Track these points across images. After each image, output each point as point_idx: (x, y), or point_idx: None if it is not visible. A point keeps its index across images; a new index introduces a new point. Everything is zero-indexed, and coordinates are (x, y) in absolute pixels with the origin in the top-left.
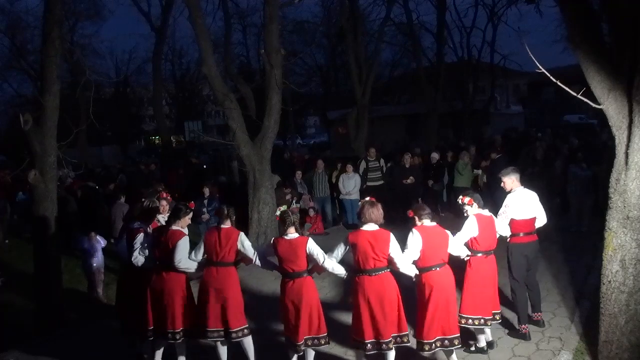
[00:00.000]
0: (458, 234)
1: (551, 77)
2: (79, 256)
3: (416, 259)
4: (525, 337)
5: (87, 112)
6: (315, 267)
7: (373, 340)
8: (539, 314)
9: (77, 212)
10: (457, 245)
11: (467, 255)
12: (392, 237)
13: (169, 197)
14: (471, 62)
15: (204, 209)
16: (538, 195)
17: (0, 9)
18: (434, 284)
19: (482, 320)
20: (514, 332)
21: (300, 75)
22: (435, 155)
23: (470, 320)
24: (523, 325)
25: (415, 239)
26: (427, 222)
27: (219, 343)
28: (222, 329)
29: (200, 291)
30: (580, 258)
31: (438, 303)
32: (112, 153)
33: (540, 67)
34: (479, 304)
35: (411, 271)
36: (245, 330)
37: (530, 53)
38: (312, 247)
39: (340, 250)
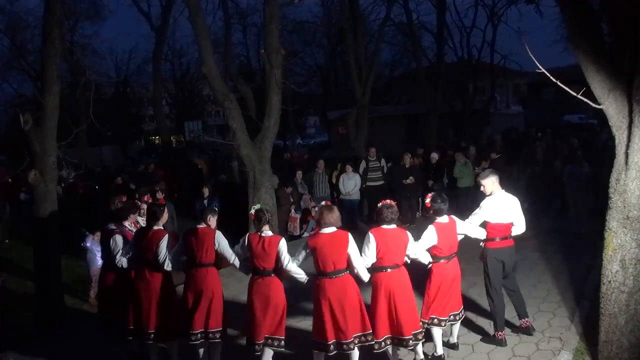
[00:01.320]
0: (417, 242)
1: (551, 77)
2: (80, 256)
3: (374, 261)
4: (501, 343)
5: (87, 112)
6: (279, 271)
7: (335, 341)
8: (526, 320)
9: (78, 211)
10: (418, 252)
11: (430, 263)
12: (350, 237)
13: (149, 199)
14: (471, 62)
15: None
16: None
17: (0, 9)
18: (382, 285)
19: (435, 320)
20: (489, 338)
21: (300, 75)
22: (435, 155)
23: (435, 320)
24: (499, 332)
25: (370, 244)
26: (386, 225)
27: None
28: (204, 330)
29: (183, 293)
30: (580, 258)
31: (385, 303)
32: (112, 153)
33: (540, 67)
34: (436, 305)
35: (365, 276)
36: (217, 334)
37: (530, 53)
38: (282, 247)
39: (301, 255)
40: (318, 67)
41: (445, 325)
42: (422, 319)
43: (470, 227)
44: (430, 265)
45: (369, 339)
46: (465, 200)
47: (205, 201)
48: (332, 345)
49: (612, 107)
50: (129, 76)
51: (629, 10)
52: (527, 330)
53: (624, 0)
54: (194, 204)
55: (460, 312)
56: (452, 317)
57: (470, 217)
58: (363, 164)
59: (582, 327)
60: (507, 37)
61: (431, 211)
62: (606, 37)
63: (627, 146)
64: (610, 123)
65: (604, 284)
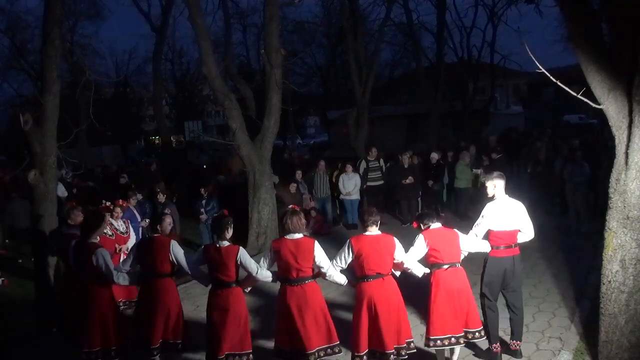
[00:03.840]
0: (407, 254)
1: (551, 77)
2: None
3: (344, 267)
4: (496, 357)
5: (87, 112)
6: (246, 281)
7: (292, 351)
8: (518, 342)
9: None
10: (409, 264)
11: (425, 273)
12: (316, 245)
13: (124, 204)
14: (471, 62)
15: (202, 209)
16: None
17: (0, 9)
18: (364, 296)
19: (452, 339)
20: (483, 352)
21: (300, 75)
22: (435, 155)
23: (439, 342)
24: (494, 345)
25: (345, 251)
26: (370, 231)
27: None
28: (162, 340)
29: (136, 306)
30: (580, 258)
31: (366, 315)
32: (112, 153)
33: (540, 67)
34: (447, 321)
35: (340, 279)
36: (177, 345)
37: (530, 53)
38: (244, 257)
39: (267, 260)
40: (318, 67)
41: (457, 342)
42: (427, 337)
43: (473, 242)
44: (430, 274)
45: (336, 350)
46: (465, 201)
47: (204, 201)
48: (289, 354)
49: (612, 107)
50: (129, 76)
51: (629, 10)
52: (515, 354)
53: (624, 0)
54: (193, 204)
55: (477, 332)
56: (469, 335)
57: (473, 228)
58: (363, 164)
59: (582, 327)
60: (507, 37)
61: (421, 225)
62: (606, 37)
63: (627, 146)
64: (610, 123)
65: (604, 284)
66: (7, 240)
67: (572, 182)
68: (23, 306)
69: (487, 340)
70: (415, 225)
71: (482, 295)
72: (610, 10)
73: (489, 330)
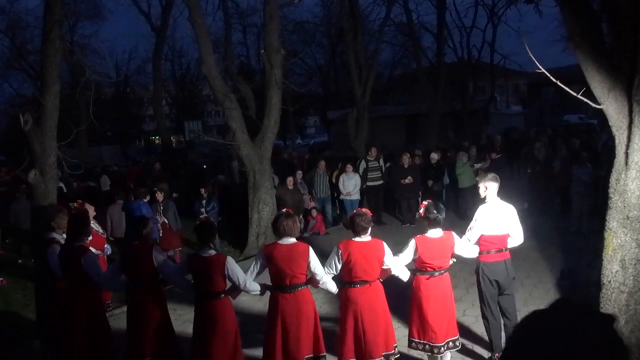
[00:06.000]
0: (396, 257)
1: (551, 77)
2: None
3: (336, 274)
4: None
5: (87, 112)
6: (231, 291)
7: None
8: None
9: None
10: (396, 269)
11: (409, 277)
12: (310, 250)
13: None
14: (471, 62)
15: (202, 209)
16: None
17: (0, 9)
18: (349, 302)
19: (427, 346)
20: None
21: (300, 75)
22: (435, 155)
23: (413, 344)
24: (497, 354)
25: (336, 257)
26: (361, 237)
27: None
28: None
29: (127, 317)
30: (580, 258)
31: (352, 322)
32: (112, 153)
33: (540, 67)
34: (424, 327)
35: (332, 288)
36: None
37: (530, 53)
38: (232, 268)
39: (256, 267)
40: (318, 67)
41: (435, 351)
42: (410, 338)
43: (464, 247)
44: (412, 279)
45: None
46: (467, 200)
47: (204, 201)
48: None
49: (612, 107)
50: (129, 76)
51: (629, 11)
52: None
53: (624, 1)
54: (193, 204)
55: (455, 340)
56: (450, 343)
57: (466, 233)
58: (363, 164)
59: None
60: (507, 37)
61: (426, 222)
62: (606, 37)
63: (627, 146)
64: (610, 123)
65: (604, 284)
66: (7, 240)
67: (582, 185)
68: (23, 306)
69: (485, 347)
70: (423, 206)
71: (482, 302)
72: (610, 10)
73: (491, 338)
